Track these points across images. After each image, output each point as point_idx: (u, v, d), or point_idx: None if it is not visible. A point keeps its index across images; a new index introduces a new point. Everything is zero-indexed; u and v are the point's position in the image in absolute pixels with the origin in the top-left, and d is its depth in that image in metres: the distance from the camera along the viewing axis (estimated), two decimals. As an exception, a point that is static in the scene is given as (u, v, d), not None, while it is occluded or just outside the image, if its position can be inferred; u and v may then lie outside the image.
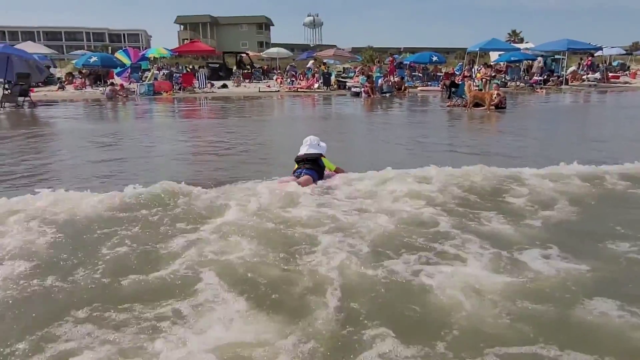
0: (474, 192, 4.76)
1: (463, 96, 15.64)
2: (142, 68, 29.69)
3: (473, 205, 4.41)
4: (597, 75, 29.42)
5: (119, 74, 29.85)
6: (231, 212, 4.07)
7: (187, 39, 66.42)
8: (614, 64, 37.09)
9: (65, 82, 27.49)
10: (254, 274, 2.98)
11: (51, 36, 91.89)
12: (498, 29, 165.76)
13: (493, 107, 14.35)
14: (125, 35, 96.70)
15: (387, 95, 20.50)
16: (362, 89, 20.46)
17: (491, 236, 3.64)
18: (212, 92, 24.10)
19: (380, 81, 20.66)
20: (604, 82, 27.90)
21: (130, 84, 25.28)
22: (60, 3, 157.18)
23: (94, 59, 24.28)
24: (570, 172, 5.43)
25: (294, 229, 3.74)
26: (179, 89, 23.83)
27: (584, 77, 28.97)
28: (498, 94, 14.47)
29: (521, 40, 57.83)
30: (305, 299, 2.71)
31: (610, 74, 29.76)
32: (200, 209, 4.19)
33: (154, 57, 32.11)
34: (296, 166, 5.13)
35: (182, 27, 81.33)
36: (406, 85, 22.91)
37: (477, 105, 15.16)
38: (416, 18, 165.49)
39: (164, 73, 25.27)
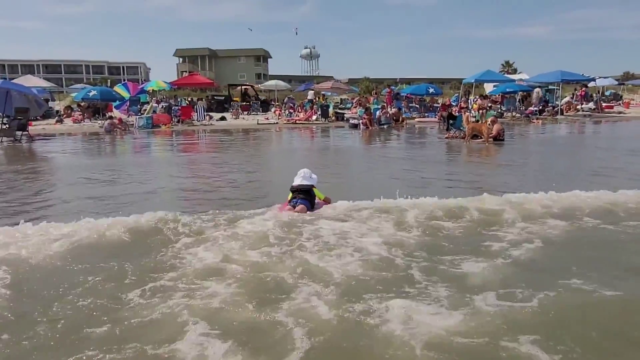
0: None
1: (461, 128, 15.69)
2: (141, 101, 29.91)
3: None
4: (591, 105, 29.79)
5: (117, 107, 30.04)
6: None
7: (185, 72, 67.34)
8: (607, 93, 37.67)
9: (64, 116, 27.63)
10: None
11: (51, 69, 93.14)
12: (492, 60, 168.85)
13: (491, 139, 14.40)
14: (125, 68, 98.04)
15: (385, 127, 20.61)
16: (360, 121, 20.56)
17: (458, 277, 3.61)
18: (211, 124, 24.20)
19: (378, 113, 20.81)
20: (598, 112, 28.21)
21: (128, 117, 25.40)
22: (60, 36, 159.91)
23: (93, 92, 24.46)
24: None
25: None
26: (178, 121, 23.94)
27: (578, 107, 29.32)
28: (493, 122, 14.58)
29: (515, 71, 58.87)
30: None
31: (604, 104, 30.16)
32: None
33: (153, 90, 32.39)
34: (290, 195, 5.66)
35: (181, 59, 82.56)
36: (404, 116, 23.07)
37: (475, 137, 15.22)
38: (411, 49, 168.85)
39: (162, 106, 25.40)
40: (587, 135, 19.16)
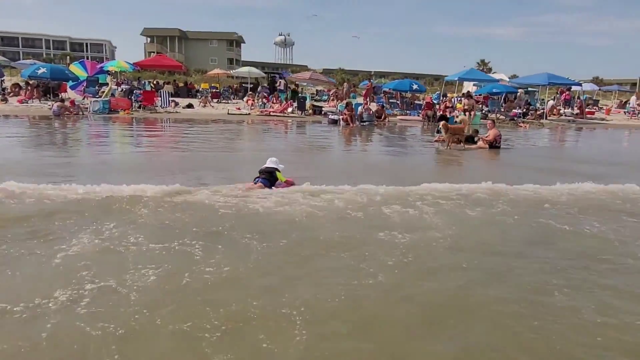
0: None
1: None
2: (100, 82, 27.29)
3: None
4: (574, 110, 29.11)
5: (73, 88, 27.38)
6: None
7: (153, 52, 63.96)
8: (582, 98, 37.29)
9: (11, 94, 24.86)
10: None
11: (7, 42, 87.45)
12: (466, 58, 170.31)
13: (487, 146, 13.02)
14: (88, 45, 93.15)
15: (367, 124, 19.03)
16: (341, 117, 18.92)
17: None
18: (176, 112, 22.04)
19: (360, 109, 19.15)
20: (581, 118, 27.51)
21: (84, 99, 22.93)
22: (18, 7, 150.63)
23: (42, 70, 21.79)
24: None
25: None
26: (139, 107, 21.68)
27: (561, 111, 28.57)
28: (490, 127, 13.21)
29: (490, 70, 58.51)
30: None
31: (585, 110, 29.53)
32: None
33: (114, 71, 29.72)
34: (257, 175, 6.75)
35: (148, 39, 78.65)
36: (386, 113, 21.54)
37: (466, 140, 13.82)
38: (387, 43, 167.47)
39: (122, 89, 23.01)
40: (593, 145, 17.50)
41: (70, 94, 27.57)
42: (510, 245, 4.79)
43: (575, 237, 5.06)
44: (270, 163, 6.84)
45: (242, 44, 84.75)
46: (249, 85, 30.64)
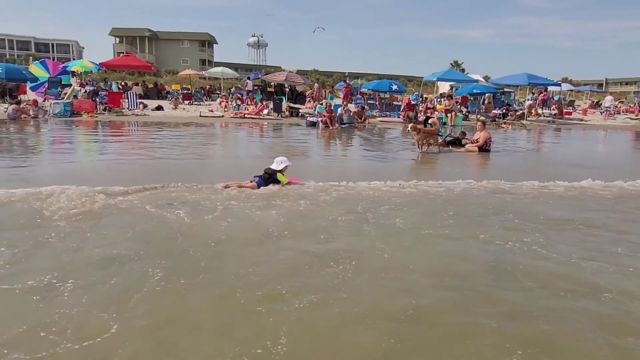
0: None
1: (440, 133, 13.55)
2: (63, 83, 25.71)
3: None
4: (553, 110, 29.00)
5: (33, 89, 25.72)
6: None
7: (123, 53, 61.81)
8: (555, 98, 37.43)
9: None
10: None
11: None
12: (439, 59, 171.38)
13: (476, 149, 12.33)
14: (54, 46, 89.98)
15: (347, 126, 18.21)
16: (319, 119, 18.03)
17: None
18: (144, 114, 20.77)
19: (339, 110, 18.28)
20: (560, 118, 27.38)
21: (44, 101, 21.41)
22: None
23: (-4, 70, 20.21)
24: None
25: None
26: (104, 109, 20.33)
27: (540, 112, 28.39)
28: (480, 129, 12.53)
29: (463, 71, 58.68)
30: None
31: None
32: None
33: (78, 72, 28.11)
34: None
35: (117, 40, 76.24)
36: (366, 115, 20.77)
37: (453, 143, 13.13)
38: (360, 44, 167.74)
39: (86, 90, 21.57)
40: (587, 146, 17.11)
41: (29, 95, 26.00)
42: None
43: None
44: (274, 164, 6.88)
45: (214, 45, 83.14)
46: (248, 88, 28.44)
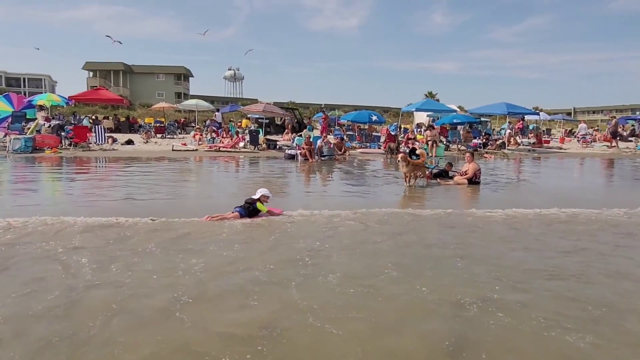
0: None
1: (427, 165, 12.88)
2: (28, 117, 24.45)
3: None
4: (530, 139, 28.96)
5: (-4, 124, 24.43)
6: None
7: (96, 87, 60.64)
8: (530, 127, 37.75)
9: None
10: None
11: None
12: (411, 91, 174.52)
13: (465, 182, 11.66)
14: (26, 80, 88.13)
15: (327, 158, 17.45)
16: (299, 152, 17.25)
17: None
18: (113, 149, 19.64)
19: (319, 142, 17.55)
20: (539, 147, 27.29)
21: (4, 136, 20.12)
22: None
23: (-49, 104, 18.92)
24: None
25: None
26: (70, 144, 19.15)
27: (519, 141, 28.31)
28: (468, 160, 11.89)
29: (438, 101, 59.43)
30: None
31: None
32: None
33: (43, 106, 26.86)
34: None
35: (91, 73, 75.14)
36: (346, 146, 20.11)
37: (438, 175, 12.45)
38: (335, 77, 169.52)
39: (50, 125, 20.38)
40: (576, 176, 16.73)
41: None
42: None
43: None
44: (257, 194, 7.13)
45: (190, 78, 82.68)
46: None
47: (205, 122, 31.28)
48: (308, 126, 29.66)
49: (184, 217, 6.92)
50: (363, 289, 4.29)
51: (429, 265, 5.04)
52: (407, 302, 4.05)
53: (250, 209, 6.96)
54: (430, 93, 72.48)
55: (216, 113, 32.32)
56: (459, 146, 24.13)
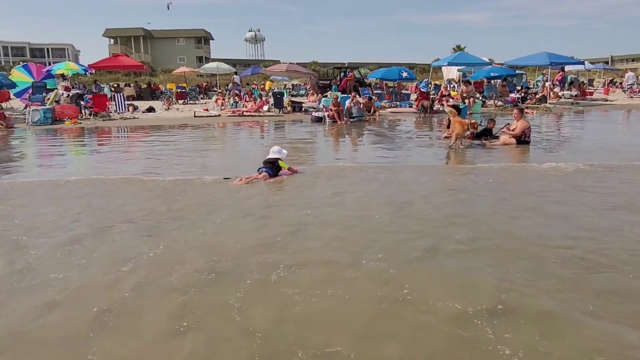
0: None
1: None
2: (48, 87, 23.97)
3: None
4: (573, 91, 27.02)
5: (18, 95, 24.08)
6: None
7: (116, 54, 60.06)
8: (569, 78, 35.38)
9: (-59, 106, 21.44)
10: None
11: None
12: (437, 45, 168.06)
13: (514, 141, 10.50)
14: (50, 50, 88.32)
15: (357, 120, 16.39)
16: (326, 113, 16.23)
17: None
18: (134, 117, 19.03)
19: (347, 103, 16.43)
20: (583, 99, 25.44)
21: (25, 107, 19.73)
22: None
23: (-32, 76, 18.47)
24: None
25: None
26: (90, 114, 18.60)
27: (560, 93, 26.43)
28: (516, 117, 10.69)
29: (470, 54, 56.59)
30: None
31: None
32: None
33: (63, 75, 26.34)
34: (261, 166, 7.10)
35: (112, 41, 74.56)
36: (375, 106, 18.93)
37: (482, 135, 11.31)
38: (357, 34, 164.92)
39: (69, 94, 19.83)
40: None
41: (14, 102, 24.35)
42: None
43: None
44: (272, 153, 7.24)
45: (211, 41, 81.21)
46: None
47: (227, 85, 30.31)
48: (333, 86, 28.39)
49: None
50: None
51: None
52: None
53: (274, 168, 7.04)
54: (458, 47, 68.93)
55: (234, 76, 31.28)
56: (496, 101, 22.57)
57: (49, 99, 20.57)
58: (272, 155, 7.21)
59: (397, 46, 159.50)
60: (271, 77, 38.18)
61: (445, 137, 11.80)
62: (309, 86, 31.79)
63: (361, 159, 9.61)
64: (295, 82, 36.32)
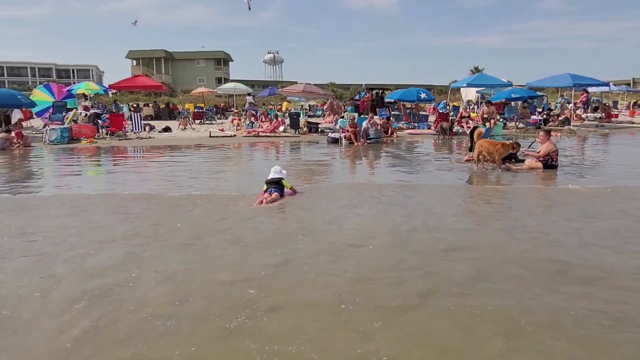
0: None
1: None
2: (68, 107, 24.25)
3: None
4: (597, 114, 26.30)
5: (39, 114, 24.40)
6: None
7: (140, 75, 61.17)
8: (591, 100, 34.54)
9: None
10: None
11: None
12: (455, 67, 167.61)
13: (540, 165, 9.96)
14: (75, 71, 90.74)
15: (374, 142, 15.99)
16: (342, 134, 15.89)
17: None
18: (150, 137, 18.98)
19: (364, 124, 16.08)
20: (608, 122, 24.67)
21: (44, 126, 19.91)
22: (7, 40, 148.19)
23: (-13, 95, 18.70)
24: None
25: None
26: (106, 134, 18.61)
27: (583, 115, 25.73)
28: (542, 140, 10.16)
29: (489, 76, 56.02)
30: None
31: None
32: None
33: (87, 94, 26.69)
34: (265, 187, 7.03)
35: (134, 62, 76.16)
36: (393, 127, 18.55)
37: (506, 158, 10.79)
38: (374, 56, 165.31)
39: (86, 114, 19.94)
40: None
41: (35, 122, 24.67)
42: None
43: None
44: (274, 173, 7.19)
45: (230, 63, 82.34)
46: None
47: (244, 106, 30.34)
48: (349, 107, 28.17)
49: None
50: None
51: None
52: None
53: (280, 187, 7.07)
54: (476, 68, 68.47)
55: (247, 97, 31.22)
56: (517, 123, 21.99)
57: (67, 118, 20.75)
58: (274, 176, 7.15)
59: (413, 68, 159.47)
60: (288, 98, 38.27)
61: (467, 160, 11.34)
62: (325, 107, 31.68)
63: (378, 182, 9.17)
64: (312, 102, 36.29)
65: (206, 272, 4.07)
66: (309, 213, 6.29)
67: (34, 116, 25.12)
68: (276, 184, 7.02)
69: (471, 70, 67.63)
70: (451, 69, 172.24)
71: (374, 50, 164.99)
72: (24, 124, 22.71)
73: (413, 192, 7.75)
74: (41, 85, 27.21)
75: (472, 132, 11.45)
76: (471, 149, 11.28)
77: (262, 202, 6.66)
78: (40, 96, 24.69)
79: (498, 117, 21.99)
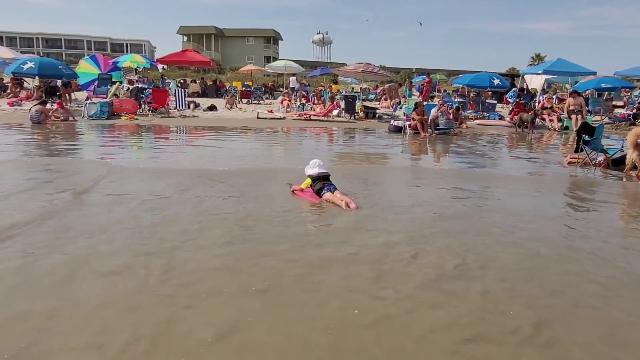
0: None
1: (603, 149, 9.01)
2: (113, 80, 23.32)
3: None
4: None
5: (84, 87, 23.59)
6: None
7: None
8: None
9: (10, 94, 21.14)
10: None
11: (51, 43, 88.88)
12: (511, 54, 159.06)
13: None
14: (128, 45, 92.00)
15: (442, 132, 13.89)
16: (407, 123, 13.86)
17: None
18: (193, 116, 17.62)
19: (434, 112, 13.94)
20: None
21: (87, 99, 18.92)
22: (70, 14, 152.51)
23: (28, 64, 17.74)
24: None
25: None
26: (149, 110, 17.37)
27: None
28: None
29: (570, 62, 51.53)
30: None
31: None
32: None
33: (133, 67, 25.70)
34: (309, 181, 5.96)
35: (185, 38, 76.13)
36: (462, 117, 16.34)
37: (621, 162, 8.58)
38: (426, 41, 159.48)
39: (128, 88, 18.78)
40: None
41: (80, 94, 23.91)
42: None
43: None
44: (320, 168, 6.08)
45: (279, 41, 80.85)
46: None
47: (294, 86, 28.63)
48: (407, 92, 25.91)
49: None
50: None
51: None
52: None
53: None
54: (537, 55, 63.69)
55: (291, 78, 29.41)
56: (603, 118, 19.17)
57: (110, 91, 19.71)
58: (322, 170, 6.09)
59: (468, 53, 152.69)
60: (339, 79, 36.18)
61: (569, 163, 9.18)
62: (379, 90, 29.47)
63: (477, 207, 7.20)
64: (364, 85, 34.11)
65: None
66: (334, 220, 4.45)
67: (81, 89, 24.41)
68: (329, 179, 6.03)
69: (532, 57, 62.85)
70: (507, 56, 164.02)
71: (426, 34, 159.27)
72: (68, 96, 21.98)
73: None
74: (87, 57, 26.44)
75: (579, 130, 9.20)
76: (576, 150, 9.07)
77: (348, 205, 5.49)
78: (86, 68, 23.90)
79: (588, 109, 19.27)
